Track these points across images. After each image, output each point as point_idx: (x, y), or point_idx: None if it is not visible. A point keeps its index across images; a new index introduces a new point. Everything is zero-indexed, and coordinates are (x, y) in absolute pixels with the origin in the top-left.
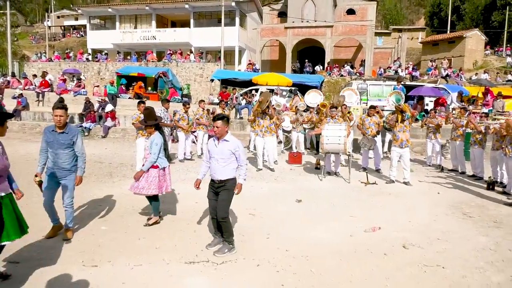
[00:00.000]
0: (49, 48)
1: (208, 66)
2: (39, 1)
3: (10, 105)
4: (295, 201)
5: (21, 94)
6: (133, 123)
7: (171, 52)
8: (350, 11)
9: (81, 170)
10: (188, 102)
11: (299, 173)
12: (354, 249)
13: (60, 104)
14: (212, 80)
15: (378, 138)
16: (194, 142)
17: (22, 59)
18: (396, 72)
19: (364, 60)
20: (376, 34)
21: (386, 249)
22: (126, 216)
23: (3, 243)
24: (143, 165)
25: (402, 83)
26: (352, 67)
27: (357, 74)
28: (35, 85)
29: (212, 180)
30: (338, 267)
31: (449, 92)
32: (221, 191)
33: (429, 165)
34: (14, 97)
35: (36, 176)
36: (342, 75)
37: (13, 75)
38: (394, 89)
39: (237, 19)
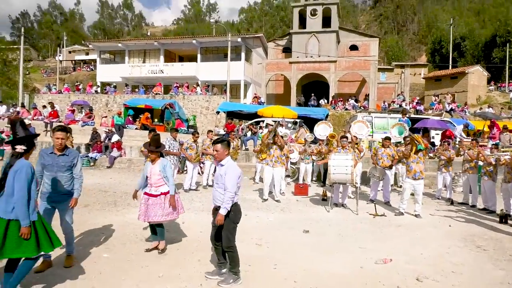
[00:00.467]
0: (59, 81)
1: (214, 99)
2: (52, 37)
3: None
4: (303, 232)
5: (30, 124)
6: (141, 151)
7: (178, 85)
8: (353, 47)
9: (77, 192)
10: (197, 131)
11: (305, 204)
12: (365, 281)
13: (61, 126)
14: (218, 112)
15: (390, 171)
16: (199, 173)
17: (33, 92)
18: (401, 106)
19: (368, 95)
20: (379, 70)
21: (399, 281)
22: (129, 244)
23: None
24: (158, 192)
25: (407, 115)
26: (356, 101)
27: (362, 107)
28: (44, 116)
29: (214, 208)
30: None
31: (454, 125)
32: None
33: (438, 198)
34: None
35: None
36: (346, 109)
37: (23, 105)
38: (399, 121)
39: (243, 54)
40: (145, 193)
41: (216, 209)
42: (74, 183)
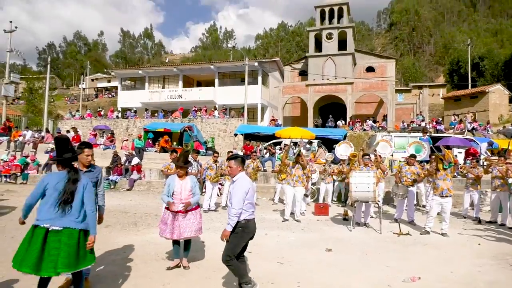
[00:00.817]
0: (82, 107)
1: (232, 122)
2: (76, 67)
3: (42, 159)
4: (325, 250)
5: (53, 148)
6: (162, 171)
7: (196, 109)
8: (370, 69)
9: (102, 209)
10: (217, 151)
11: (326, 224)
12: None
13: (87, 143)
14: (235, 135)
15: (412, 189)
16: (218, 194)
17: (57, 118)
18: (420, 125)
19: (386, 115)
20: (397, 91)
21: None
22: (150, 263)
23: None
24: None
25: (427, 134)
26: (374, 121)
27: (380, 128)
28: None
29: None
30: None
31: (478, 143)
32: None
33: (464, 217)
34: (46, 152)
35: None
36: (364, 130)
37: (47, 131)
38: (419, 140)
39: (260, 78)
40: (171, 211)
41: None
42: (98, 200)
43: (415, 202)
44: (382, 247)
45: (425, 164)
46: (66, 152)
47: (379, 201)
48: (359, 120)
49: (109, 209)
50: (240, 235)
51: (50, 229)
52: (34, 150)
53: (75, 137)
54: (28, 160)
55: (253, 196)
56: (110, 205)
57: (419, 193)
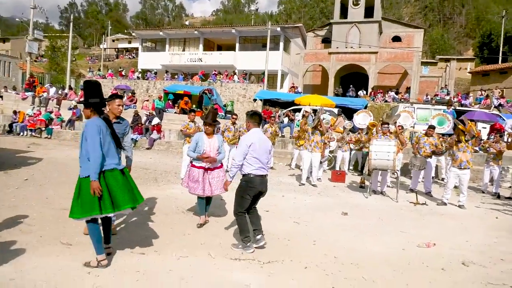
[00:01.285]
0: (103, 67)
1: (251, 87)
2: (97, 27)
3: (66, 115)
4: (341, 214)
5: (76, 105)
6: (181, 130)
7: (216, 72)
8: (396, 39)
9: (130, 160)
10: (235, 113)
11: (343, 190)
12: (407, 261)
13: (118, 94)
14: (255, 100)
15: (431, 161)
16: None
17: (79, 77)
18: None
19: (409, 88)
20: (422, 63)
21: (444, 264)
22: (171, 215)
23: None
24: (224, 170)
25: (452, 107)
26: (397, 93)
27: (402, 100)
28: None
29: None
30: (392, 277)
31: (504, 119)
32: None
33: (483, 192)
34: (70, 108)
35: None
36: (386, 101)
37: (70, 88)
38: (443, 112)
39: (281, 44)
40: (200, 167)
41: None
42: (126, 151)
43: (434, 175)
44: (398, 214)
45: (447, 137)
46: (94, 97)
47: (397, 171)
48: (381, 91)
49: None
50: (244, 189)
51: (109, 170)
52: (58, 106)
53: None
54: (53, 115)
55: (264, 154)
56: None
57: (439, 166)
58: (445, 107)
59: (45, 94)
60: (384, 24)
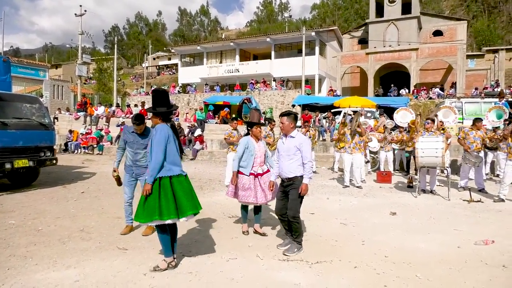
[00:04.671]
0: (146, 85)
1: (289, 93)
2: (138, 47)
3: (114, 132)
4: (389, 214)
5: (123, 122)
6: (225, 138)
7: (253, 81)
8: (437, 33)
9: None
10: (273, 120)
11: (389, 190)
12: (464, 259)
13: (139, 119)
14: (293, 106)
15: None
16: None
17: (124, 95)
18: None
19: (455, 83)
20: (468, 56)
21: (505, 261)
22: (218, 220)
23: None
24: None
25: (504, 99)
26: (442, 89)
27: (448, 96)
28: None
29: (281, 180)
30: (448, 275)
31: None
32: (290, 190)
33: None
34: (118, 125)
35: (114, 171)
36: (431, 98)
37: (117, 105)
38: (495, 105)
39: (317, 48)
40: (251, 174)
41: (283, 181)
42: None
43: (489, 171)
44: (450, 212)
45: (497, 129)
46: (161, 105)
47: (447, 167)
48: (424, 88)
49: None
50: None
51: (175, 176)
52: (107, 124)
53: (142, 110)
54: (103, 133)
55: None
56: None
57: (495, 162)
58: (496, 100)
59: (95, 113)
60: (423, 19)
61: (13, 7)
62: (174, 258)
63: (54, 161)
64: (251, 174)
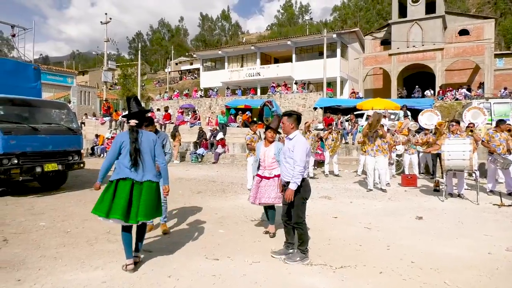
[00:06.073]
0: (169, 90)
1: (311, 96)
2: (161, 53)
3: None
4: (415, 218)
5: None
6: (247, 144)
7: (274, 85)
8: (463, 32)
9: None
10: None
11: (415, 194)
12: (495, 266)
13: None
14: (315, 109)
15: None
16: None
17: (148, 100)
18: None
19: (483, 83)
20: (496, 56)
21: None
22: (240, 223)
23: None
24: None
25: None
26: (469, 90)
27: (476, 96)
28: (158, 118)
29: (282, 184)
30: (478, 282)
31: None
32: None
33: None
34: None
35: None
36: (457, 99)
37: None
38: None
39: (338, 51)
40: (258, 175)
41: (283, 185)
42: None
43: None
44: (479, 217)
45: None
46: (132, 110)
47: (476, 170)
48: (450, 88)
49: (199, 179)
50: (303, 194)
51: (134, 181)
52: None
53: (165, 115)
54: None
55: (309, 156)
56: (200, 175)
57: None
58: None
59: (120, 118)
60: (448, 18)
61: (42, 17)
62: (134, 258)
63: (82, 165)
64: (257, 175)
